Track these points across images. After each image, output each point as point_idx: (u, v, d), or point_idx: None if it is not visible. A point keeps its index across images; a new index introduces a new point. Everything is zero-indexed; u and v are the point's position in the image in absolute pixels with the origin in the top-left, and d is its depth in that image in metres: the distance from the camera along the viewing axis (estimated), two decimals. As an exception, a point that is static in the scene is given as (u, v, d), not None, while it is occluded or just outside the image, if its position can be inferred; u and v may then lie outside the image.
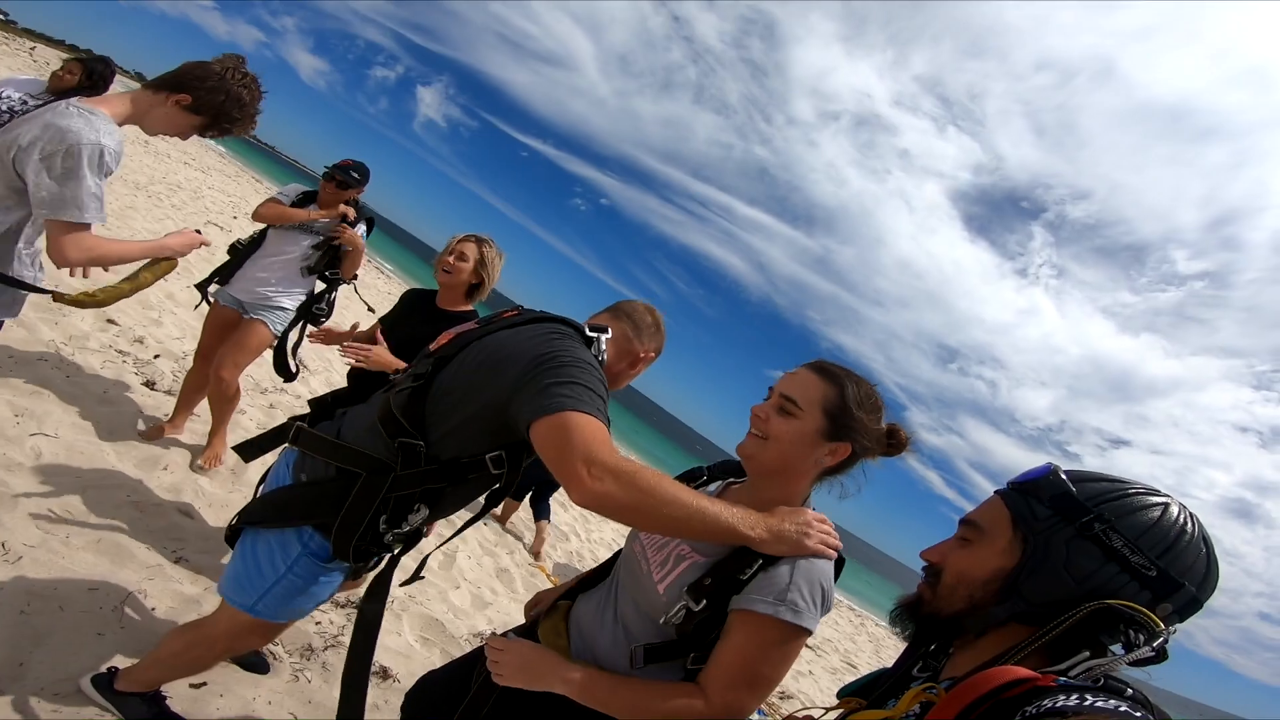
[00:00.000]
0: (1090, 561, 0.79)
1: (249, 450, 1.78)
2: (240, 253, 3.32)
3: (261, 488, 1.68)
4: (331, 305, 3.48)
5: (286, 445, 1.62)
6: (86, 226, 1.80)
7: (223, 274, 3.33)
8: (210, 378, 3.21)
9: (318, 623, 2.60)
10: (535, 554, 4.89)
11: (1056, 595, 0.79)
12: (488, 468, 1.41)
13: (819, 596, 1.14)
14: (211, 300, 3.37)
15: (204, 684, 2.05)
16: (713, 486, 1.47)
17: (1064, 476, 0.86)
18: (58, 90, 1.86)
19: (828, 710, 0.93)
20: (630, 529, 1.43)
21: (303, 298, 3.39)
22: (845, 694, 0.95)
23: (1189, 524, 0.80)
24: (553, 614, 1.42)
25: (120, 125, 1.84)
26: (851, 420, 1.21)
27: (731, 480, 1.48)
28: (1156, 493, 0.83)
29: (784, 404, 1.24)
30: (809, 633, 1.12)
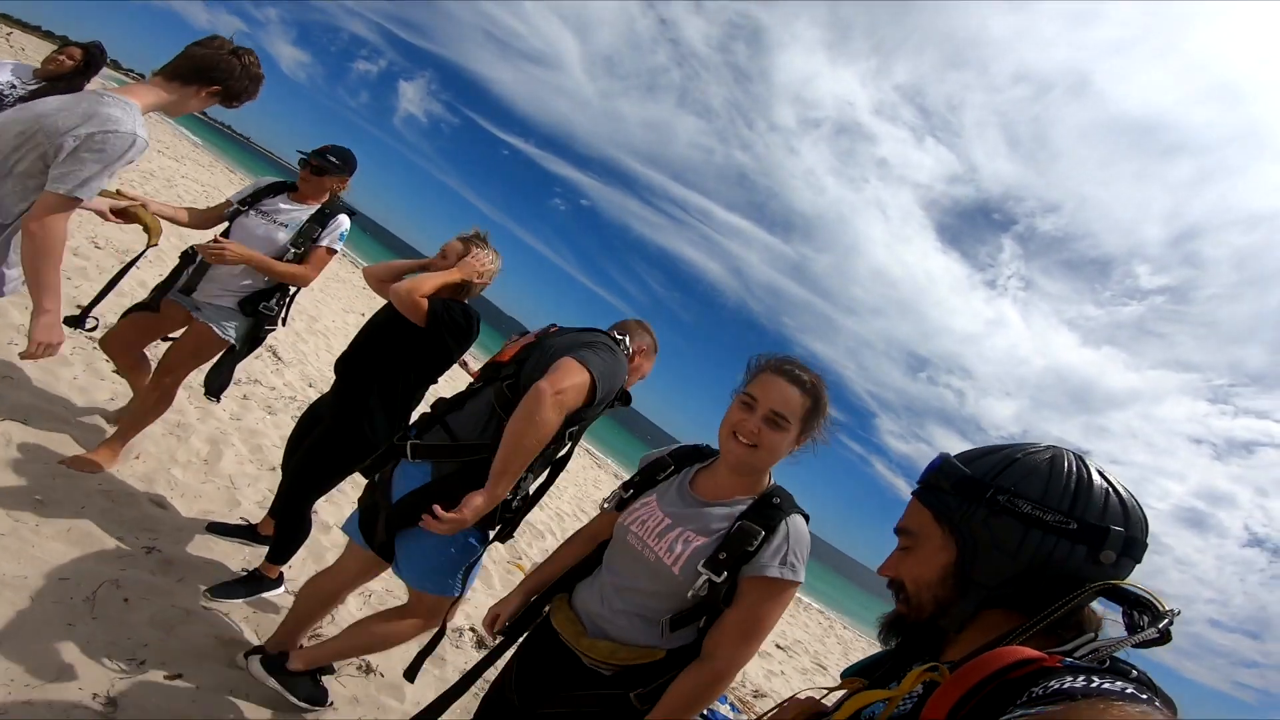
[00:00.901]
0: (1013, 534, 0.78)
1: (371, 469, 2.06)
2: (189, 258, 2.84)
3: (392, 494, 1.94)
4: (284, 306, 2.95)
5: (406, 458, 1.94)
6: (76, 203, 1.78)
7: (163, 287, 2.86)
8: (154, 375, 2.86)
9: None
10: None
11: (1007, 573, 0.79)
12: (564, 440, 1.87)
13: (806, 552, 1.40)
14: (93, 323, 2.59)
15: (179, 675, 2.01)
16: (680, 475, 1.60)
17: (956, 461, 0.87)
18: (54, 75, 1.83)
19: (830, 690, 0.94)
20: (615, 529, 1.61)
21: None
22: (849, 675, 0.96)
23: (1079, 467, 0.81)
24: (560, 607, 1.59)
25: (144, 115, 1.92)
26: (817, 423, 1.49)
27: (698, 466, 1.60)
28: (1041, 448, 0.83)
29: (775, 419, 1.43)
30: (801, 583, 1.39)
